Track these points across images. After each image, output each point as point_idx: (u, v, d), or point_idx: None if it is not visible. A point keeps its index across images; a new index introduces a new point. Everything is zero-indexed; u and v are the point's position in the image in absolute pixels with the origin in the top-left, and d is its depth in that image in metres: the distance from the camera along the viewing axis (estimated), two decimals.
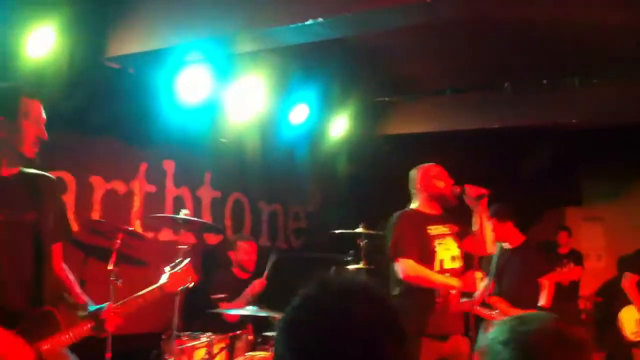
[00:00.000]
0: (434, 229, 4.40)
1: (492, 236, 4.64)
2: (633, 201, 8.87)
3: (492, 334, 1.72)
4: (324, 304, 1.30)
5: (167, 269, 3.49)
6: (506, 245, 5.91)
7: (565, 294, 5.96)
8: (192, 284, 3.56)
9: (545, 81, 6.57)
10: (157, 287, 3.34)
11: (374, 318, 1.29)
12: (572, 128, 7.34)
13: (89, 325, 3.05)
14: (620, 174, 8.72)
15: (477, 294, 5.60)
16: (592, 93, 6.58)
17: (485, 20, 5.24)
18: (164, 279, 3.42)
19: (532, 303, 5.63)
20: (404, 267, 4.20)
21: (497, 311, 5.65)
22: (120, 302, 3.24)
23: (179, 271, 3.48)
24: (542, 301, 5.73)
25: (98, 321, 3.07)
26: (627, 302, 7.05)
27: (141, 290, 3.37)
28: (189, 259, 3.60)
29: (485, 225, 4.50)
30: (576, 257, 8.03)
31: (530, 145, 7.45)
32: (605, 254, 9.03)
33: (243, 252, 6.10)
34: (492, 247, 4.70)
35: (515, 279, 5.77)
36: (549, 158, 7.77)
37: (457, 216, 4.63)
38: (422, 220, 4.42)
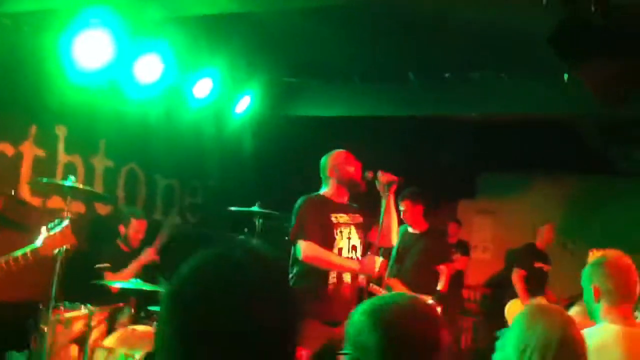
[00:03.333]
0: (337, 217, 4.48)
1: (397, 227, 4.75)
2: (524, 197, 9.21)
3: (359, 307, 1.86)
4: (214, 276, 1.21)
5: (43, 229, 3.34)
6: (410, 229, 6.06)
7: (451, 282, 6.16)
8: (69, 247, 3.42)
9: (447, 74, 6.69)
10: (30, 250, 3.20)
11: (268, 291, 1.22)
12: (471, 122, 7.53)
13: None
14: (515, 170, 9.03)
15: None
16: (492, 88, 6.75)
17: (392, 10, 5.29)
18: (39, 241, 3.27)
19: (429, 287, 5.81)
20: (304, 247, 4.27)
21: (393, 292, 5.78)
22: None
23: (55, 233, 3.33)
24: (440, 286, 5.91)
25: None
26: (515, 295, 7.34)
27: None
28: (67, 221, 3.46)
29: (392, 214, 4.61)
30: (463, 248, 8.30)
31: (429, 137, 7.61)
32: (493, 247, 9.36)
33: (133, 229, 5.97)
34: (396, 239, 4.85)
35: (416, 263, 5.94)
36: (447, 151, 7.97)
37: (362, 207, 4.70)
38: (328, 206, 4.50)
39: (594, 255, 3.12)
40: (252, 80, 7.26)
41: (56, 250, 3.36)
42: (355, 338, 1.79)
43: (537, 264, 7.44)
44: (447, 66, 6.65)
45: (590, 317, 2.97)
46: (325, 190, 4.61)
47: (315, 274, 4.31)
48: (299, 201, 4.49)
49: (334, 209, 4.51)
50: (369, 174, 4.55)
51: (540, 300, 7.28)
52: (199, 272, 1.23)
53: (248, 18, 5.32)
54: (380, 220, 4.59)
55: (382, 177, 4.54)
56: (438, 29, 5.67)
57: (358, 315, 1.82)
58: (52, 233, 3.31)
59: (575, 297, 6.99)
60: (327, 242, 4.37)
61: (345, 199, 4.61)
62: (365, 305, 1.86)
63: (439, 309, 5.81)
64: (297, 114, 7.83)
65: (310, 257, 4.25)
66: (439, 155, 7.85)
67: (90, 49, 5.43)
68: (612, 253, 3.03)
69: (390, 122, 7.57)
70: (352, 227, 4.54)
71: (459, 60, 6.50)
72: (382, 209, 4.61)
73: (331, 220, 4.44)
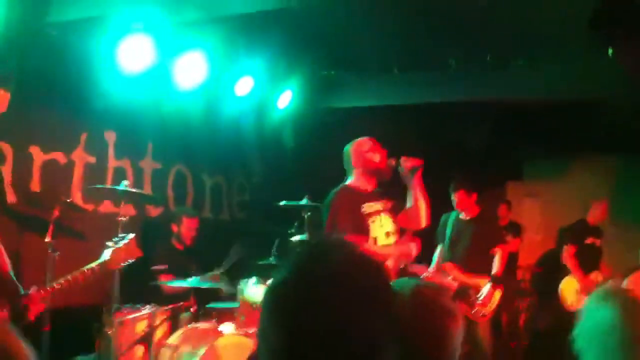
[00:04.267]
0: (368, 207, 4.43)
1: (426, 210, 4.62)
2: (571, 180, 9.12)
3: None
4: (320, 276, 1.18)
5: (109, 244, 3.41)
6: (462, 216, 6.07)
7: (506, 264, 6.14)
8: (135, 260, 3.49)
9: (489, 58, 6.63)
10: (98, 264, 3.27)
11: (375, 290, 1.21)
12: (516, 106, 7.46)
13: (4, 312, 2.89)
14: (561, 152, 8.94)
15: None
16: (536, 72, 6.68)
17: None
18: (106, 255, 3.34)
19: (484, 270, 5.82)
20: None
21: (450, 277, 5.82)
22: (62, 278, 3.15)
23: (122, 247, 3.40)
24: (495, 269, 5.90)
25: (18, 308, 2.95)
26: (567, 273, 7.24)
27: (80, 263, 3.30)
28: (133, 234, 3.53)
29: (419, 199, 4.50)
30: (515, 229, 8.20)
31: (474, 122, 7.56)
32: (543, 229, 9.26)
33: (186, 227, 6.13)
34: (426, 221, 4.66)
35: (469, 248, 5.95)
36: (493, 135, 7.91)
37: (391, 191, 4.67)
38: (357, 197, 4.44)
39: None
40: (292, 75, 7.28)
41: (122, 264, 3.42)
42: None
43: (589, 240, 7.32)
44: (489, 51, 6.58)
45: None
46: (351, 180, 4.56)
47: None
48: (329, 196, 4.45)
49: (364, 198, 4.45)
50: (391, 162, 4.47)
51: (596, 276, 7.18)
52: (302, 273, 1.22)
53: (285, 14, 5.33)
54: (409, 205, 4.53)
55: (406, 163, 4.44)
56: (479, 13, 5.62)
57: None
58: (118, 247, 3.38)
59: (630, 270, 6.91)
60: (362, 233, 4.32)
61: (371, 187, 4.56)
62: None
63: (498, 292, 5.81)
64: (338, 105, 7.83)
65: None
66: (485, 140, 7.79)
67: (134, 54, 5.51)
68: None
69: (432, 109, 7.51)
70: (383, 215, 4.49)
71: (501, 45, 6.43)
72: (408, 194, 4.53)
73: (363, 211, 4.39)
